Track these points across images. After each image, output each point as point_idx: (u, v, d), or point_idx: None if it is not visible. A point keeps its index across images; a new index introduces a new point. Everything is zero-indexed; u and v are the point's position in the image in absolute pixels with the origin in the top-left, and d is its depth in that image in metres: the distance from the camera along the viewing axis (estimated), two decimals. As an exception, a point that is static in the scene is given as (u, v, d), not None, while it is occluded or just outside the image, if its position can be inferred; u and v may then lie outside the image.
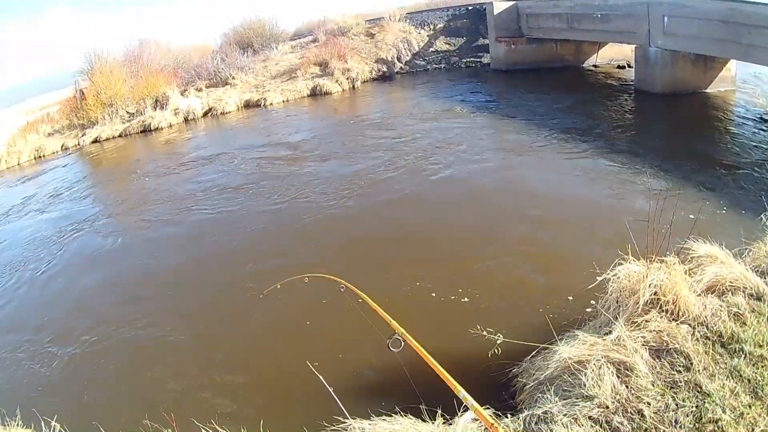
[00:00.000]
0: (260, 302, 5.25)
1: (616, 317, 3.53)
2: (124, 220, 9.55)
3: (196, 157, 12.24)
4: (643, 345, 3.27)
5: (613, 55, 17.69)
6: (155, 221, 9.05)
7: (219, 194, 9.67)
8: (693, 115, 11.06)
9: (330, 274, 4.18)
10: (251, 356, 4.77)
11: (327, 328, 4.90)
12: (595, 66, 17.69)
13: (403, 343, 2.54)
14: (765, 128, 9.64)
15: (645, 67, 13.45)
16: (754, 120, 10.31)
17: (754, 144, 8.79)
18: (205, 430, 3.00)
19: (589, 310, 4.29)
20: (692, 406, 2.89)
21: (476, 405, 2.04)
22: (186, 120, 15.22)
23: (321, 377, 2.92)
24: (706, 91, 12.42)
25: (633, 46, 14.38)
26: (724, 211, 6.35)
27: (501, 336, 3.60)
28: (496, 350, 3.60)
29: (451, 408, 2.86)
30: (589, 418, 2.81)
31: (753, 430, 2.72)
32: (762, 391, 2.96)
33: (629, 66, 15.99)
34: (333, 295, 4.48)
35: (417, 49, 20.01)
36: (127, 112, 15.49)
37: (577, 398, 2.94)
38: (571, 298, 4.68)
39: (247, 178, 10.39)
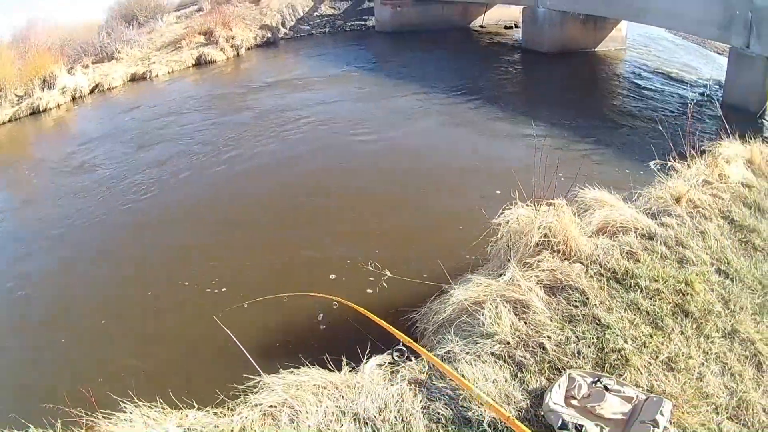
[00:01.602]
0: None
1: (509, 260, 4.29)
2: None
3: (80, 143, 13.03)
4: (537, 283, 4.01)
5: (501, 16, 21.35)
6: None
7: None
8: (580, 73, 13.99)
9: (318, 291, 4.91)
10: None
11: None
12: (482, 27, 21.23)
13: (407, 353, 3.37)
14: (649, 84, 12.45)
15: (533, 27, 16.12)
16: (640, 77, 13.20)
17: (639, 99, 11.30)
18: (123, 402, 3.28)
19: (481, 256, 5.13)
20: (593, 338, 3.56)
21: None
22: (73, 98, 17.50)
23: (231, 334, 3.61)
24: (596, 50, 15.47)
25: (521, 7, 17.20)
26: (613, 161, 8.16)
27: (388, 273, 4.26)
28: (383, 284, 4.33)
29: (356, 358, 3.57)
30: (492, 354, 3.42)
31: (657, 357, 3.45)
32: (662, 321, 3.75)
33: (517, 26, 19.18)
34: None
35: (302, 14, 23.74)
36: (16, 96, 17.53)
37: (477, 337, 3.56)
38: (464, 246, 5.54)
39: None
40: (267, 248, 6.90)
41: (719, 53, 15.60)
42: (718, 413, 3.24)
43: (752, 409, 3.29)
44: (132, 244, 7.56)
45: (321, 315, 5.02)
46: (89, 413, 3.15)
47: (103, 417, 3.12)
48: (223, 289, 5.99)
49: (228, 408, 3.30)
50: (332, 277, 5.96)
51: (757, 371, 3.57)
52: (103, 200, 9.02)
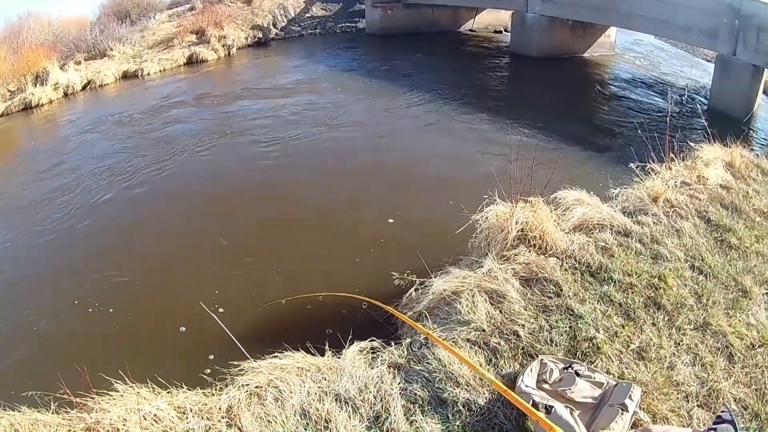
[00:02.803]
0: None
1: (487, 253, 4.70)
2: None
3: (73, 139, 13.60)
4: (513, 275, 4.38)
5: (491, 21, 22.17)
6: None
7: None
8: (567, 78, 14.79)
9: (348, 292, 5.31)
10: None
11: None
12: (471, 31, 22.09)
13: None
14: (635, 89, 13.20)
15: (521, 32, 16.82)
16: (627, 82, 13.99)
17: (625, 103, 12.02)
18: (117, 383, 3.55)
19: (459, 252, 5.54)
20: (566, 327, 3.91)
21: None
22: (66, 94, 18.24)
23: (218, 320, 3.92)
24: (584, 55, 16.26)
25: (510, 12, 18.02)
26: (594, 163, 8.79)
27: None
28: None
29: (338, 343, 3.93)
30: (468, 340, 3.77)
31: (628, 346, 3.80)
32: (634, 313, 4.12)
33: (506, 31, 20.00)
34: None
35: (293, 15, 24.65)
36: (9, 91, 18.11)
37: (454, 324, 3.91)
38: (444, 241, 6.03)
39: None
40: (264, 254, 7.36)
41: (708, 60, 16.26)
42: (688, 401, 3.56)
43: (723, 398, 3.59)
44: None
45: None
46: (84, 393, 3.42)
47: (96, 394, 3.40)
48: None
49: (216, 389, 3.59)
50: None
51: (729, 362, 3.91)
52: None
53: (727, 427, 1.11)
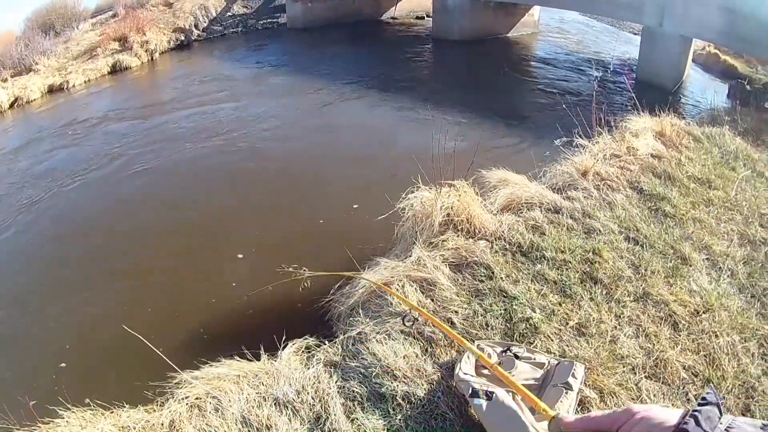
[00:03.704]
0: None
1: (414, 241, 4.81)
2: None
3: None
4: (443, 262, 4.49)
5: (413, 7, 23.00)
6: None
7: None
8: (490, 59, 15.62)
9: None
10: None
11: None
12: (393, 18, 22.91)
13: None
14: (560, 66, 14.16)
15: (443, 16, 17.41)
16: (552, 59, 14.96)
17: (549, 81, 12.88)
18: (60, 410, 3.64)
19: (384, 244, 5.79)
20: (500, 310, 4.01)
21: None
22: None
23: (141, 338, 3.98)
24: (508, 35, 17.04)
25: None
26: (519, 142, 9.48)
27: (306, 270, 4.87)
28: (305, 284, 4.91)
29: (272, 346, 4.03)
30: (401, 332, 3.84)
31: (567, 323, 3.92)
32: (570, 290, 4.25)
33: (428, 16, 20.64)
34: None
35: (214, 15, 25.65)
36: None
37: (386, 316, 4.02)
38: (370, 231, 6.35)
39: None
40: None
41: (635, 34, 17.08)
42: (635, 373, 3.69)
43: (670, 367, 3.75)
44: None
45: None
46: (30, 423, 3.51)
47: (42, 423, 3.49)
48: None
49: (157, 404, 3.63)
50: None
51: (674, 331, 4.08)
52: None
53: (712, 408, 1.14)
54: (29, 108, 19.06)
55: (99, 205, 9.98)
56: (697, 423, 1.10)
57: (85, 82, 20.88)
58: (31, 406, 3.66)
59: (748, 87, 10.76)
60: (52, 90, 20.40)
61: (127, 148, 12.17)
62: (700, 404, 1.19)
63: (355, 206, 8.18)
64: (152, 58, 22.70)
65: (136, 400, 3.79)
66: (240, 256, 7.52)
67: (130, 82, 20.43)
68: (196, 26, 25.06)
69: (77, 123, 15.50)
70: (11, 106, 19.42)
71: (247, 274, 7.00)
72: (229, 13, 25.92)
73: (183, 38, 24.27)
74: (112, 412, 3.58)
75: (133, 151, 11.93)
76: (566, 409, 3.23)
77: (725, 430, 1.05)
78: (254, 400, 3.47)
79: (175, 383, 3.77)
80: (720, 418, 1.12)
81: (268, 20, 25.54)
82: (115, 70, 21.77)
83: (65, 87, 20.45)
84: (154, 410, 3.57)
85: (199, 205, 9.26)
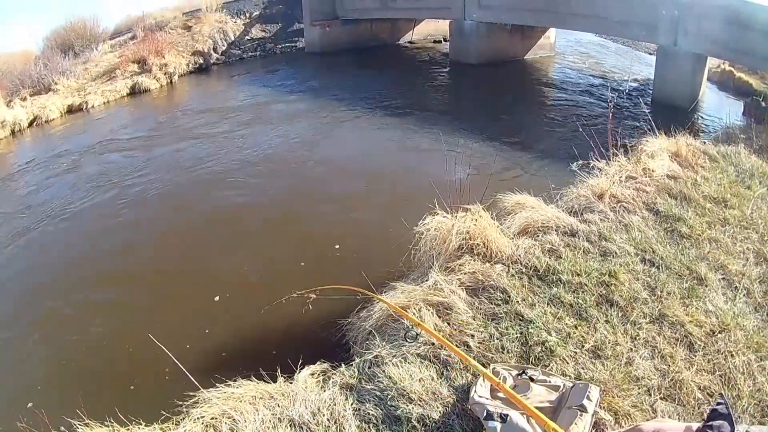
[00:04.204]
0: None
1: (431, 266, 4.88)
2: None
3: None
4: (459, 286, 4.56)
5: (430, 31, 23.21)
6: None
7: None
8: (507, 82, 15.67)
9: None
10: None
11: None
12: (411, 42, 23.19)
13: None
14: (576, 88, 14.11)
15: (460, 40, 17.55)
16: (568, 81, 14.94)
17: (566, 102, 12.89)
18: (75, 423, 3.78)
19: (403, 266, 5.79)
20: (516, 333, 4.06)
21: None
22: (13, 132, 18.65)
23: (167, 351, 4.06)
24: (525, 58, 17.06)
25: (449, 21, 18.70)
26: (536, 166, 9.40)
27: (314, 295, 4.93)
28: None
29: (289, 368, 4.10)
30: (418, 355, 3.91)
31: (583, 346, 3.95)
32: (586, 312, 4.28)
33: (446, 40, 20.78)
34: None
35: (233, 39, 26.07)
36: None
37: (403, 340, 4.07)
38: (388, 256, 6.32)
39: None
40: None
41: (650, 53, 17.08)
42: (650, 394, 3.69)
43: (686, 388, 3.74)
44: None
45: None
46: None
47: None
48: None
49: (174, 423, 3.71)
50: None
51: (689, 352, 4.08)
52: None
53: (723, 424, 1.16)
54: (48, 127, 19.29)
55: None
56: None
57: (104, 103, 21.10)
58: (47, 420, 3.80)
59: (763, 103, 10.63)
60: (71, 110, 20.61)
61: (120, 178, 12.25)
62: (710, 417, 1.20)
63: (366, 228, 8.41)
64: (171, 81, 22.86)
65: (152, 418, 3.89)
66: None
67: (148, 105, 20.69)
68: (214, 50, 25.40)
69: (94, 145, 15.73)
70: (30, 124, 19.55)
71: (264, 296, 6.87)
72: (247, 37, 26.25)
73: (202, 61, 24.53)
74: (128, 429, 3.68)
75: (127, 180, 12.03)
76: (581, 431, 3.25)
77: None
78: (269, 421, 3.54)
79: (192, 402, 3.86)
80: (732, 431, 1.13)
81: (286, 44, 25.84)
82: (134, 92, 21.94)
83: (84, 107, 20.66)
84: (170, 428, 3.67)
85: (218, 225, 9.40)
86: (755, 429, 1.15)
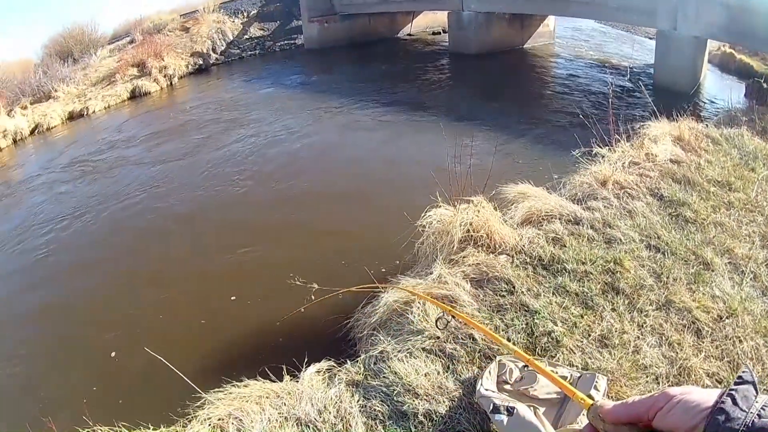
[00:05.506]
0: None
1: (435, 258, 4.82)
2: None
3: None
4: (464, 278, 4.51)
5: (428, 23, 23.09)
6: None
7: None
8: (507, 71, 15.77)
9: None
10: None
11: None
12: (409, 35, 23.14)
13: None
14: (577, 74, 14.16)
15: (458, 31, 17.46)
16: (568, 68, 15.00)
17: (566, 89, 12.88)
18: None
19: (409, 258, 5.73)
20: (522, 324, 3.99)
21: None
22: (15, 141, 18.93)
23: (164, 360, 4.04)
24: (524, 47, 17.02)
25: (447, 12, 18.69)
26: (538, 154, 9.36)
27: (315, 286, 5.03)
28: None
29: (294, 366, 4.07)
30: (423, 349, 3.86)
31: (589, 335, 3.88)
32: (592, 301, 4.20)
33: (444, 32, 20.74)
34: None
35: (231, 38, 26.44)
36: None
37: (408, 334, 4.02)
38: (391, 250, 6.24)
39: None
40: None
41: (650, 38, 16.96)
42: (659, 382, 3.61)
43: (694, 375, 3.67)
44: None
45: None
46: None
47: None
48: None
49: (181, 425, 3.69)
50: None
51: (697, 338, 3.99)
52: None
53: (748, 388, 1.12)
54: (50, 135, 19.35)
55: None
56: (734, 402, 1.08)
57: (105, 108, 21.19)
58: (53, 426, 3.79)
59: (765, 85, 10.51)
60: (72, 116, 20.71)
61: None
62: (736, 383, 1.17)
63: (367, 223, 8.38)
64: (171, 83, 23.09)
65: (160, 420, 3.86)
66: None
67: (148, 108, 20.63)
68: (213, 50, 25.65)
69: (97, 152, 15.82)
70: (32, 132, 19.64)
71: (274, 295, 7.00)
72: (246, 36, 26.49)
73: (201, 62, 24.82)
74: (137, 432, 3.62)
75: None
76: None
77: (761, 408, 1.02)
78: (276, 420, 3.49)
79: (199, 403, 3.82)
80: (756, 397, 1.09)
81: (285, 42, 26.01)
82: (135, 95, 22.06)
83: (85, 113, 20.74)
84: (177, 431, 3.65)
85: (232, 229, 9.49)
86: None
